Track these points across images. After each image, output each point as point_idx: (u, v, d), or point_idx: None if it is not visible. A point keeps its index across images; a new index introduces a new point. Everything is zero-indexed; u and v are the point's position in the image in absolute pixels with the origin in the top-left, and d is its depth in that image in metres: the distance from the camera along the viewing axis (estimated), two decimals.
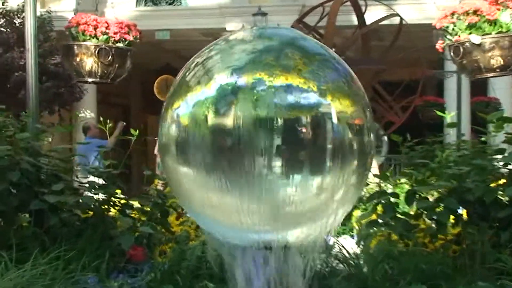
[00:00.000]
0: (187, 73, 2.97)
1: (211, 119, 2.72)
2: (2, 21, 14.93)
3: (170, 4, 17.08)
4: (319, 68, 2.90)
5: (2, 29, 14.77)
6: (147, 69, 21.43)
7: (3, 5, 14.90)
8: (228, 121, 2.68)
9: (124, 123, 12.13)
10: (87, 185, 4.83)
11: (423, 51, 10.71)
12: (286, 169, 2.69)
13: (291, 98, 2.68)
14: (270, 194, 2.73)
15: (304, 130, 2.70)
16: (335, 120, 2.76)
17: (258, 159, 2.66)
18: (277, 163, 2.68)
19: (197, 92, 2.83)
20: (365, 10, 11.54)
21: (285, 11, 15.25)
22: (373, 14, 11.96)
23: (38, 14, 15.05)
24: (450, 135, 6.83)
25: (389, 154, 14.58)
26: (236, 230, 2.90)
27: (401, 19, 11.08)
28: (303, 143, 2.71)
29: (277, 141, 2.66)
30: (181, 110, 2.87)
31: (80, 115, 15.78)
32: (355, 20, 11.52)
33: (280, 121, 2.66)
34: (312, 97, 2.73)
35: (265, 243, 2.93)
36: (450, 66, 13.99)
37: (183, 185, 2.95)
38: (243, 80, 2.72)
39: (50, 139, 5.06)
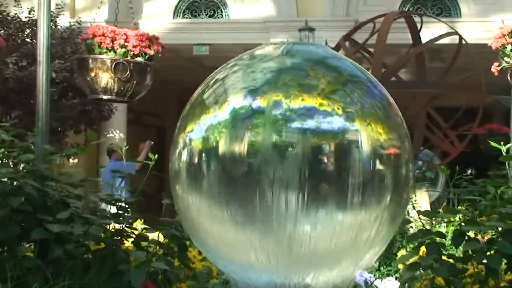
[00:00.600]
0: (205, 91, 2.93)
1: (224, 145, 2.67)
2: (28, 31, 15.04)
3: (210, 16, 17.13)
4: (349, 90, 2.82)
5: (28, 40, 14.88)
6: (185, 87, 21.44)
7: (29, 14, 15.00)
8: (242, 148, 2.62)
9: (152, 142, 12.12)
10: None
11: (486, 74, 10.53)
12: (307, 204, 2.61)
13: (312, 123, 2.61)
14: (288, 231, 2.65)
15: (327, 159, 2.62)
16: (365, 148, 2.68)
17: (274, 191, 2.58)
18: (296, 197, 2.60)
19: (210, 115, 2.79)
20: (421, 27, 11.39)
21: (336, 27, 15.19)
22: (432, 32, 11.82)
23: (67, 24, 15.36)
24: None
25: (446, 188, 14.36)
26: (248, 270, 2.82)
27: (461, 38, 10.90)
28: (326, 174, 2.63)
29: (296, 171, 2.59)
30: (194, 134, 2.83)
31: (108, 135, 15.86)
32: (410, 39, 11.41)
33: (299, 149, 2.58)
34: (337, 122, 2.65)
35: (284, 286, 2.84)
36: None
37: (193, 216, 2.89)
38: (259, 102, 2.66)
39: (71, 160, 5.04)
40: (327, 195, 2.65)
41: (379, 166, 2.73)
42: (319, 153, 2.62)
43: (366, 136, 2.69)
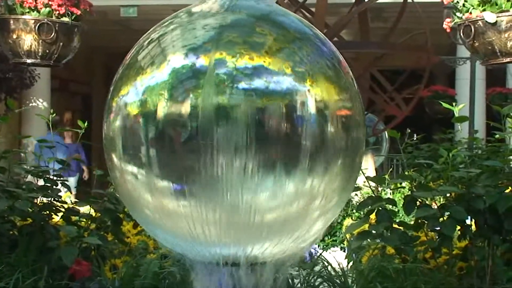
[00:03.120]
0: (139, 52, 2.86)
1: (163, 108, 2.60)
2: None
3: None
4: (297, 48, 2.78)
5: None
6: (112, 52, 21.29)
7: None
8: (183, 111, 2.56)
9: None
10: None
11: (432, 34, 10.60)
12: (254, 170, 2.57)
13: (259, 83, 2.56)
14: (234, 200, 2.60)
15: (275, 121, 2.58)
16: (316, 110, 2.64)
17: (218, 157, 2.53)
18: (243, 163, 2.55)
19: (147, 76, 2.72)
20: None
21: None
22: None
23: None
24: (460, 131, 6.73)
25: (391, 153, 14.52)
26: (193, 243, 2.78)
27: None
28: (275, 138, 2.59)
29: (243, 135, 2.54)
30: (129, 98, 2.76)
31: (30, 104, 15.62)
32: None
33: (245, 111, 2.53)
34: (286, 81, 2.61)
35: (230, 259, 2.81)
36: (464, 51, 13.92)
37: (130, 187, 2.82)
38: (201, 61, 2.60)
39: None
40: (276, 161, 2.61)
41: (330, 128, 2.70)
42: (267, 116, 2.57)
43: (317, 96, 2.66)
